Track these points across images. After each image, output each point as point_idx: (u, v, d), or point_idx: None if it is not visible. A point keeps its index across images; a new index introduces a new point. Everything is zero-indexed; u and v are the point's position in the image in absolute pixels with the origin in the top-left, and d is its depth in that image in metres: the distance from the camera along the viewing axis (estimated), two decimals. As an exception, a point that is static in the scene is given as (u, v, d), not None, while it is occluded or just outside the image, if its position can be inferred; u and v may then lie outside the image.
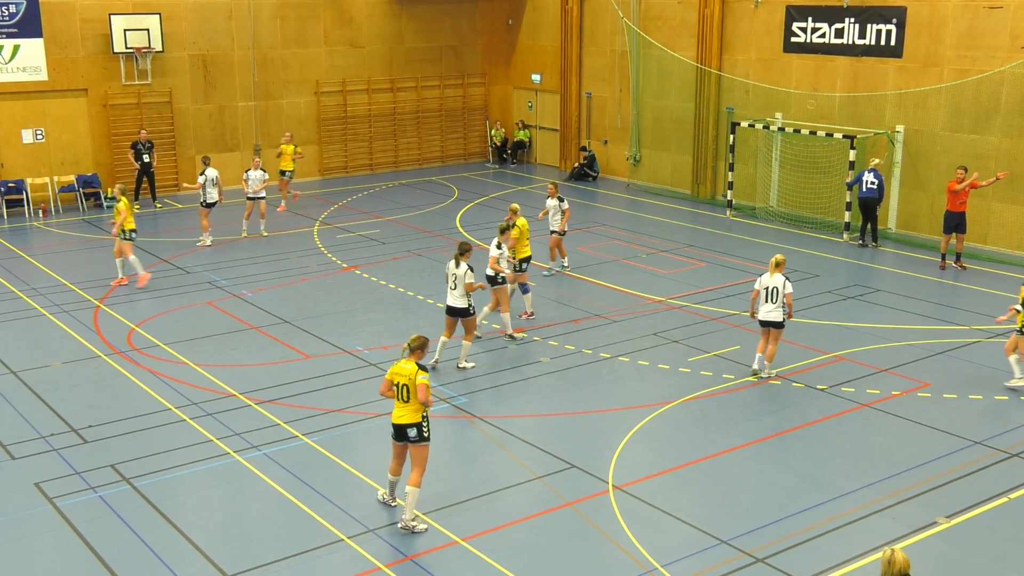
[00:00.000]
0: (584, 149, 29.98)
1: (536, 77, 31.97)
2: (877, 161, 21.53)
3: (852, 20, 23.10)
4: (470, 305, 14.71)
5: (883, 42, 22.60)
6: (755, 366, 14.51)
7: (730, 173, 25.08)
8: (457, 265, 14.59)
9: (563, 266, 19.80)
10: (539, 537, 10.46)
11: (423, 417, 10.40)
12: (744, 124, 24.62)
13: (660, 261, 20.79)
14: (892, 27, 22.38)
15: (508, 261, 16.11)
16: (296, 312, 17.58)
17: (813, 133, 23.25)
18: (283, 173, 25.72)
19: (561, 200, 19.25)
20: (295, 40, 28.85)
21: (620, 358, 15.35)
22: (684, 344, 15.88)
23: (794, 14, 24.27)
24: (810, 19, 23.95)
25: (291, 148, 25.62)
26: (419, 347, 10.50)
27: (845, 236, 22.33)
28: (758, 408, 13.53)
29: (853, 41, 23.15)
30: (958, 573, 9.71)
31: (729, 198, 25.14)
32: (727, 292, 18.55)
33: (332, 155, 30.18)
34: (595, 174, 29.72)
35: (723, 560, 9.89)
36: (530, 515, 10.81)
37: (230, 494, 11.43)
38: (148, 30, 26.12)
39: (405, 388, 10.38)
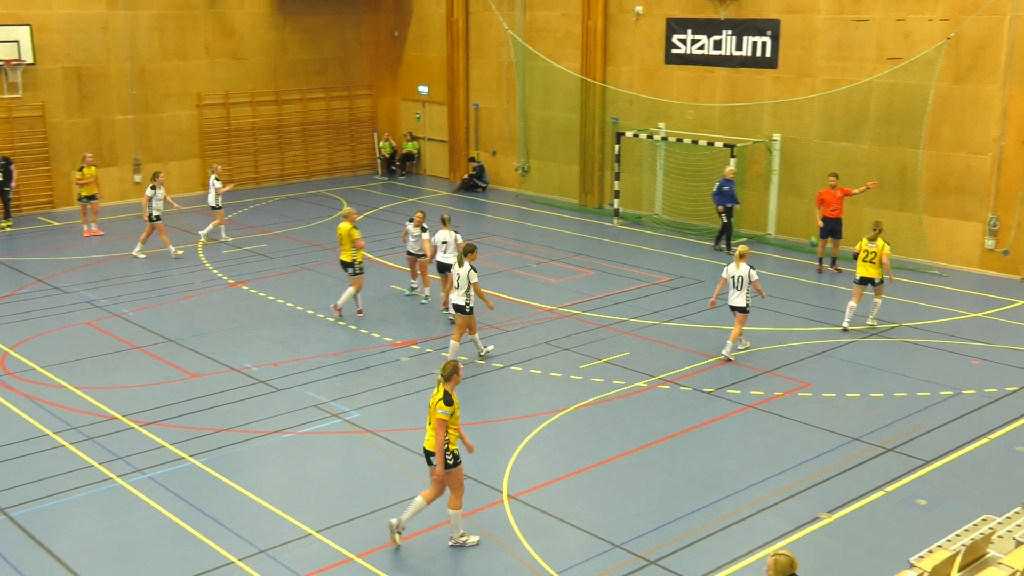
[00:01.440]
0: (472, 160, 30.10)
1: (423, 89, 31.97)
2: (730, 169, 22.24)
3: (729, 32, 23.81)
4: (467, 304, 15.13)
5: (759, 54, 23.36)
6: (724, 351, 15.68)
7: (616, 182, 25.53)
8: (460, 265, 15.20)
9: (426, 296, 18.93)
10: (435, 549, 10.42)
11: (445, 446, 9.97)
12: (629, 134, 25.10)
13: (550, 270, 21.01)
14: (767, 39, 23.14)
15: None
16: (181, 330, 17.15)
17: (695, 142, 23.85)
18: (85, 199, 23.75)
19: (425, 230, 18.26)
20: (175, 52, 28.19)
21: (512, 367, 15.44)
22: (575, 352, 16.07)
23: (674, 26, 24.87)
24: (689, 31, 24.59)
25: (93, 170, 23.82)
26: (449, 374, 10.11)
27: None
28: (648, 413, 13.78)
29: (731, 53, 23.86)
30: (839, 566, 10.06)
31: (616, 207, 25.58)
32: (616, 299, 18.85)
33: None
34: (484, 185, 29.86)
35: (617, 564, 10.04)
36: (425, 528, 10.77)
37: (114, 521, 11.06)
38: (18, 42, 25.16)
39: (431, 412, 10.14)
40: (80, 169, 24.06)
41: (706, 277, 20.39)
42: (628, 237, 24.12)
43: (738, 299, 15.53)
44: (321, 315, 17.94)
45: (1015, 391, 14.33)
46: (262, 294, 19.30)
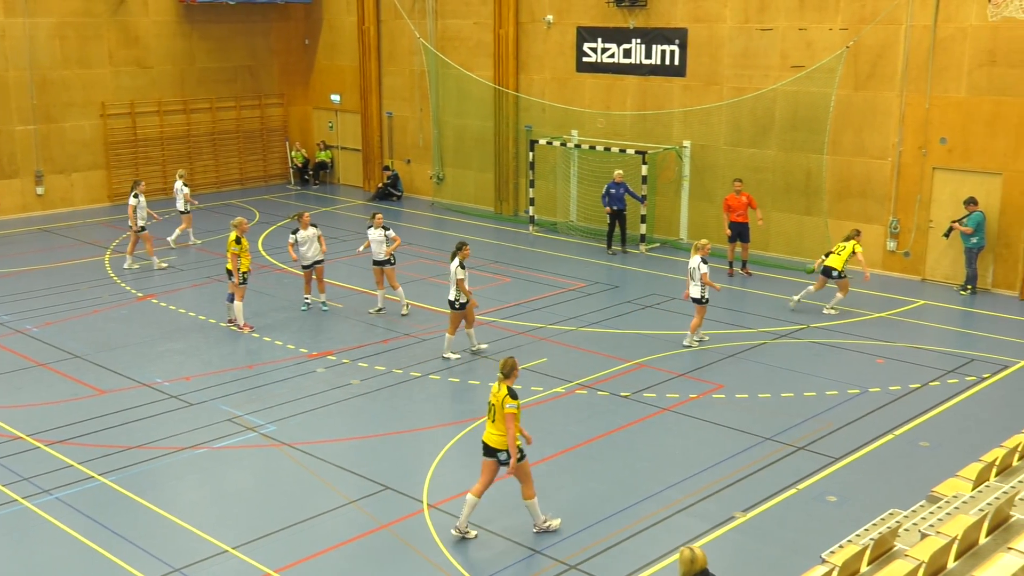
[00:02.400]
0: (387, 169, 29.96)
1: (335, 97, 31.70)
2: (619, 172, 22.63)
3: (639, 41, 24.17)
4: (455, 300, 15.55)
5: (668, 62, 23.76)
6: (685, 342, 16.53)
7: (531, 190, 25.68)
8: (451, 260, 15.70)
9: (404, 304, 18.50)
10: (354, 562, 10.34)
11: (507, 444, 10.37)
12: (542, 142, 25.28)
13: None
14: (675, 48, 23.56)
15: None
16: (88, 346, 16.68)
17: (608, 149, 24.14)
18: None
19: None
20: (77, 60, 27.44)
21: (431, 376, 15.40)
22: (493, 359, 16.10)
23: (584, 35, 25.15)
24: (600, 40, 24.89)
25: None
26: (508, 371, 10.50)
27: (642, 247, 23.27)
28: (566, 418, 13.88)
29: (640, 61, 24.22)
30: (755, 564, 10.27)
31: (531, 214, 25.72)
32: (533, 306, 18.95)
33: (122, 180, 28.79)
34: (399, 193, 29.74)
35: (539, 569, 10.09)
36: (344, 540, 10.67)
37: (20, 544, 10.69)
38: (-91, 49, 24.23)
39: (493, 409, 10.47)
40: None
41: (621, 282, 20.64)
42: (543, 244, 24.28)
43: (693, 290, 16.41)
44: (235, 328, 17.63)
45: (918, 388, 14.83)
46: (172, 307, 18.90)
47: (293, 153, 32.15)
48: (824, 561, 8.12)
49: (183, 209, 23.43)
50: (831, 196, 21.65)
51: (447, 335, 16.06)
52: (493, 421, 10.47)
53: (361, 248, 18.85)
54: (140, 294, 19.73)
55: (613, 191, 22.56)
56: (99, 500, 11.52)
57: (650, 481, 11.99)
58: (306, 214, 18.63)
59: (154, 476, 12.19)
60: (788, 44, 21.82)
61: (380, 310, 18.39)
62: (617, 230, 22.94)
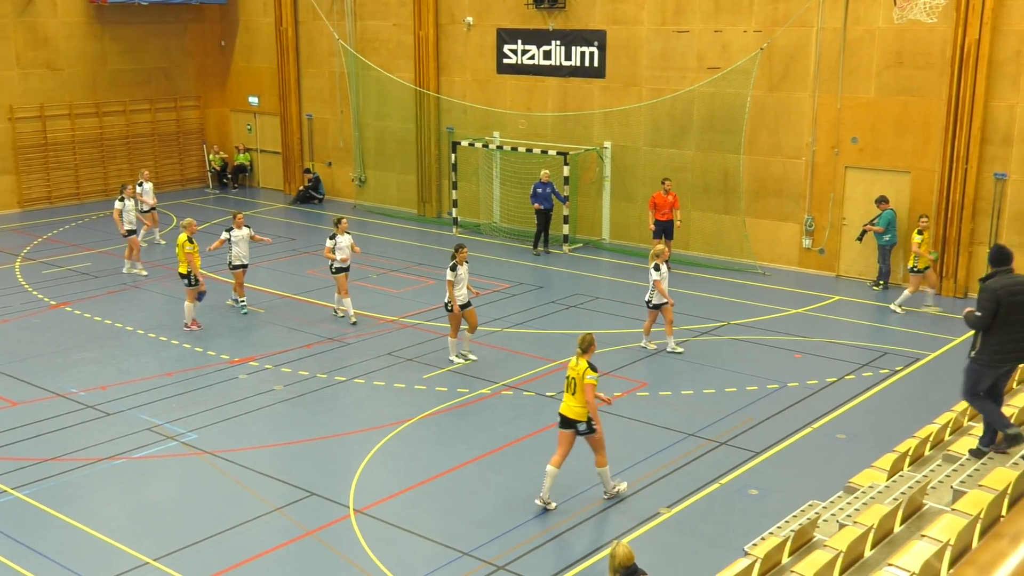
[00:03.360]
0: (308, 172, 29.63)
1: (254, 99, 31.26)
2: (545, 172, 22.83)
3: (558, 43, 24.33)
4: (447, 302, 15.54)
5: (587, 64, 23.97)
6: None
7: (454, 191, 25.66)
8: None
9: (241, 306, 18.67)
10: (280, 570, 10.22)
11: (588, 416, 11.02)
12: (464, 143, 25.28)
13: (391, 281, 20.91)
14: (595, 50, 23.78)
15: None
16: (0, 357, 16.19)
17: (530, 151, 24.25)
18: None
19: (248, 227, 18.58)
20: (-17, 62, 26.60)
21: (356, 380, 15.29)
22: (418, 362, 16.05)
23: (504, 37, 25.23)
24: (520, 42, 24.99)
25: None
26: (587, 346, 11.14)
27: (565, 248, 23.43)
28: (493, 419, 13.90)
29: (560, 63, 24.38)
30: (680, 558, 10.43)
31: (455, 216, 25.71)
32: (457, 308, 18.92)
33: (32, 185, 28.02)
34: (321, 196, 29.44)
35: (466, 571, 10.09)
36: (269, 548, 10.53)
37: (-71, 563, 10.34)
38: None
39: (573, 382, 11.06)
40: None
41: (545, 283, 20.74)
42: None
43: (647, 294, 16.28)
44: (153, 334, 17.28)
45: (834, 382, 15.20)
46: (87, 315, 18.42)
47: (211, 156, 31.61)
48: (747, 554, 8.28)
49: (145, 209, 23.16)
50: (748, 195, 22.08)
51: (449, 338, 15.96)
52: (573, 394, 11.08)
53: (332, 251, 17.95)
54: (53, 302, 19.19)
55: (540, 191, 22.70)
56: (13, 515, 11.18)
57: (576, 479, 12.06)
58: (240, 214, 18.59)
59: (71, 489, 11.88)
60: (704, 46, 22.19)
61: (340, 314, 18.18)
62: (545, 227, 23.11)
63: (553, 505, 11.29)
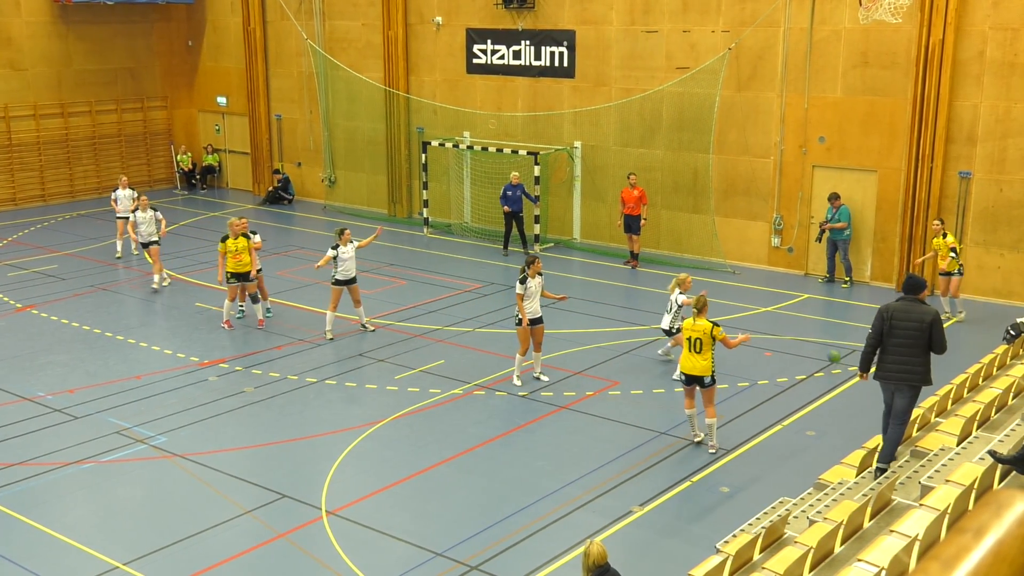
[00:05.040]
0: (277, 172, 29.47)
1: (222, 100, 31.03)
2: (515, 174, 22.88)
3: (528, 43, 24.35)
4: (516, 317, 14.97)
5: (557, 63, 24.01)
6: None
7: (424, 192, 25.62)
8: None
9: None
10: (252, 573, 10.15)
11: (712, 368, 12.33)
12: (434, 143, 25.25)
13: (361, 281, 20.72)
14: (564, 50, 23.82)
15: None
16: (-37, 361, 15.96)
17: (500, 151, 24.25)
18: None
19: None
20: (-55, 62, 26.24)
21: (327, 381, 15.23)
22: (390, 362, 16.02)
23: (474, 37, 25.22)
24: (489, 42, 24.99)
25: None
26: (702, 306, 12.41)
27: (536, 247, 23.46)
28: (464, 419, 13.90)
29: (530, 63, 24.41)
30: (653, 556, 10.47)
31: (425, 216, 25.66)
32: (429, 308, 18.92)
33: (-3, 186, 27.70)
34: (290, 197, 29.29)
35: (439, 571, 10.07)
36: (241, 551, 10.47)
37: None
38: None
39: (699, 341, 12.22)
40: None
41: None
42: (438, 246, 24.25)
43: (664, 320, 15.49)
44: (121, 337, 17.12)
45: (803, 379, 15.33)
46: (54, 318, 18.22)
47: (179, 157, 31.36)
48: (719, 551, 8.34)
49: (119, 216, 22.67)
50: (718, 194, 22.21)
51: (517, 355, 15.00)
52: (699, 352, 12.25)
53: (319, 264, 17.27)
54: (18, 305, 18.96)
55: (510, 193, 22.66)
56: (-21, 521, 11.04)
57: (549, 479, 12.09)
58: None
59: (38, 493, 11.75)
60: (673, 46, 22.29)
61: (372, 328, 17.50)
62: (515, 231, 23.04)
63: (701, 435, 12.81)
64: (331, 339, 17.03)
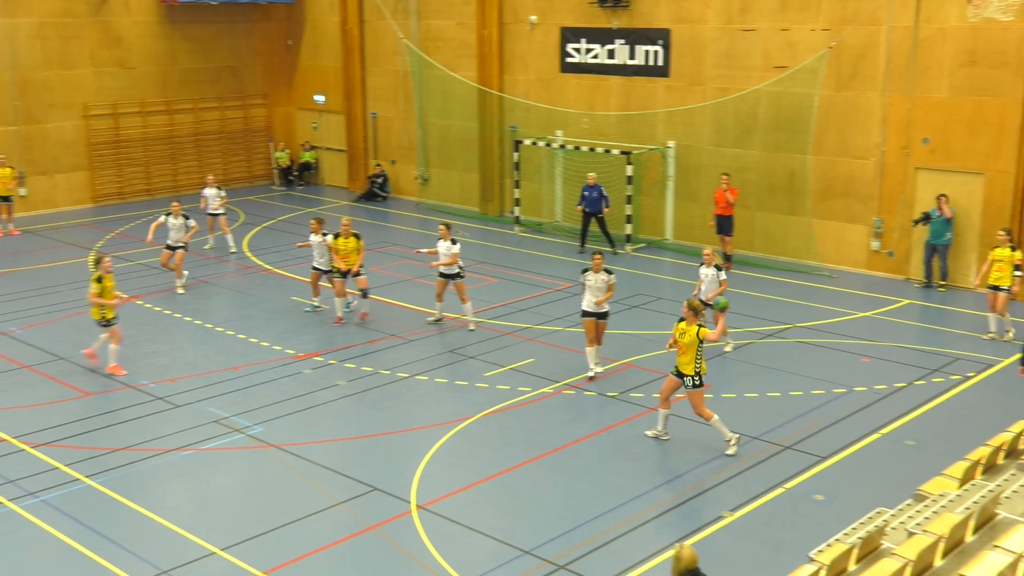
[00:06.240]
0: (378, 166, 29.86)
1: (319, 98, 31.62)
2: (592, 175, 22.73)
3: (622, 42, 24.22)
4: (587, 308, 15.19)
5: (651, 62, 23.82)
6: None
7: (516, 190, 25.69)
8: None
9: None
10: (342, 563, 10.33)
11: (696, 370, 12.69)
12: (527, 142, 25.30)
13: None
14: (659, 48, 23.62)
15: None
16: (73, 348, 16.57)
17: (592, 150, 24.17)
18: (1, 199, 24.68)
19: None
20: (58, 61, 27.28)
21: (418, 376, 15.39)
22: (480, 360, 16.11)
23: (568, 36, 25.18)
24: (583, 41, 24.93)
25: (7, 171, 24.64)
26: (699, 309, 12.80)
27: (628, 247, 23.32)
28: (554, 418, 13.89)
29: (624, 62, 24.27)
30: (743, 563, 10.32)
31: (517, 214, 25.74)
32: (520, 306, 18.96)
33: (105, 181, 28.69)
34: (386, 194, 29.69)
35: (527, 570, 10.10)
36: (332, 542, 10.66)
37: (6, 547, 10.62)
38: None
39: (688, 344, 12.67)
40: None
41: (606, 282, 20.64)
42: (529, 244, 24.29)
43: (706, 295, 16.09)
44: (220, 328, 17.58)
45: (903, 387, 14.92)
46: (158, 308, 18.81)
47: (277, 154, 32.07)
48: (812, 560, 8.17)
49: (216, 212, 23.23)
50: (814, 196, 21.76)
51: (588, 348, 15.32)
52: (689, 354, 12.68)
53: (424, 251, 18.15)
54: (125, 295, 19.60)
55: (587, 193, 22.64)
56: (86, 502, 11.47)
57: (638, 481, 12.02)
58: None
59: (141, 478, 12.14)
60: (771, 45, 21.92)
61: (438, 320, 17.85)
62: (596, 229, 22.95)
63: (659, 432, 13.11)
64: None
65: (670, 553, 9.91)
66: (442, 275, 17.44)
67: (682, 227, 23.89)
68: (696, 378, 12.60)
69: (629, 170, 23.16)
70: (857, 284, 20.52)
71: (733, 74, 22.54)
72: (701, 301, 14.70)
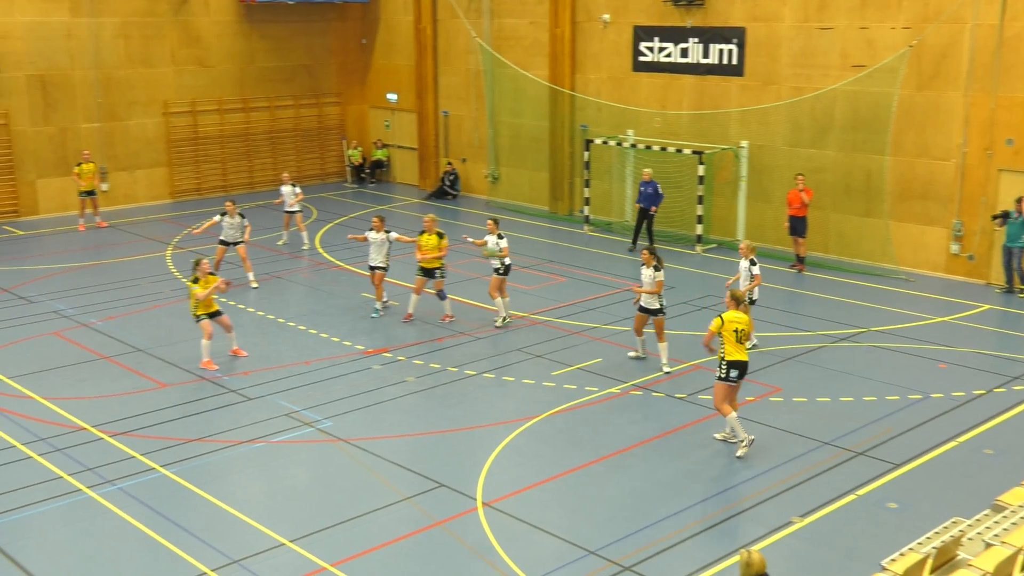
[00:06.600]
0: (449, 164, 30.03)
1: (392, 96, 31.92)
2: (648, 171, 22.53)
3: (696, 40, 23.98)
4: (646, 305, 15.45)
5: (725, 61, 23.54)
6: None
7: (586, 189, 25.61)
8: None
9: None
10: (408, 558, 10.40)
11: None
12: (598, 141, 25.20)
13: (522, 277, 20.98)
14: (733, 47, 23.34)
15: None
16: (150, 340, 17.00)
17: (664, 149, 23.98)
18: (86, 193, 25.30)
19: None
20: (140, 60, 27.96)
21: (485, 375, 15.43)
22: (547, 359, 16.10)
23: (641, 34, 25.02)
24: (656, 39, 24.75)
25: (91, 167, 25.29)
26: (742, 298, 12.90)
27: (699, 248, 23.10)
28: (621, 419, 13.82)
29: (698, 60, 24.03)
30: (812, 569, 10.14)
31: (586, 214, 25.66)
32: (588, 306, 18.91)
33: (183, 177, 29.35)
34: (456, 193, 29.84)
35: (592, 570, 10.06)
36: (399, 536, 10.74)
37: (83, 533, 10.93)
38: (-20, 49, 24.90)
39: (744, 332, 12.60)
40: (79, 164, 25.22)
41: (676, 283, 20.45)
42: (598, 244, 24.21)
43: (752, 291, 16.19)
44: (292, 323, 17.84)
45: (982, 394, 14.52)
46: (231, 303, 19.15)
47: (350, 151, 32.45)
48: (884, 569, 7.99)
49: (294, 210, 23.64)
50: (892, 198, 21.30)
51: (635, 336, 15.91)
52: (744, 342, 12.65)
53: (471, 240, 18.65)
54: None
55: (643, 189, 22.59)
56: (160, 491, 11.73)
57: (705, 484, 11.89)
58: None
59: (213, 469, 12.38)
60: (848, 43, 21.50)
61: (506, 319, 17.72)
62: (648, 226, 23.03)
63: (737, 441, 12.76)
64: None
65: (738, 558, 9.80)
66: (497, 271, 17.54)
67: (754, 228, 23.56)
68: (719, 368, 12.59)
69: (701, 170, 22.92)
70: (935, 288, 20.04)
71: (809, 73, 22.17)
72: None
